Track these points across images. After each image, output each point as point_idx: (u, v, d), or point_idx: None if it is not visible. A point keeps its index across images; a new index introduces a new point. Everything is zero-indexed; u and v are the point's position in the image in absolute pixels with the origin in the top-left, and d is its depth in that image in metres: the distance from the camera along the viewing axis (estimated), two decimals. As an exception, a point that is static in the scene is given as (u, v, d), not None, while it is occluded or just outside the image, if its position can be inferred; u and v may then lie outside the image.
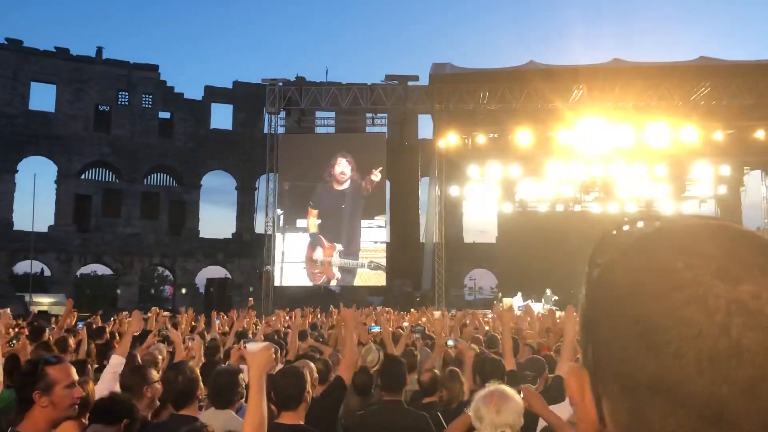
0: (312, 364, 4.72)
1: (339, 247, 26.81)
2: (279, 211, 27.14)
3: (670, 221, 0.66)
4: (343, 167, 26.99)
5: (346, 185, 26.96)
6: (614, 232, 0.68)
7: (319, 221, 26.79)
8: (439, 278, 27.47)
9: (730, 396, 0.56)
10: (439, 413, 4.66)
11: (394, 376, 4.53)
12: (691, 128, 24.46)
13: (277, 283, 27.02)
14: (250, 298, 17.59)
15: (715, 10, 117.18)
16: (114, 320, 12.57)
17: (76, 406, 3.01)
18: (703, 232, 0.63)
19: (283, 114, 28.52)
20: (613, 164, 28.22)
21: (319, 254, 26.66)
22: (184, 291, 33.69)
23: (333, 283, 27.15)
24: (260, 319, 14.23)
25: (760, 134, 25.06)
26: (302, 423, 3.75)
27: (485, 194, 33.66)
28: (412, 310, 21.11)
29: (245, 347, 2.64)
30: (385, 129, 29.22)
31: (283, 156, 27.25)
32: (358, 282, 27.03)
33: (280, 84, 27.62)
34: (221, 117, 37.01)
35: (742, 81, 24.33)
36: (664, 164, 29.18)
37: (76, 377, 3.03)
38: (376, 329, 7.13)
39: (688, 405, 0.57)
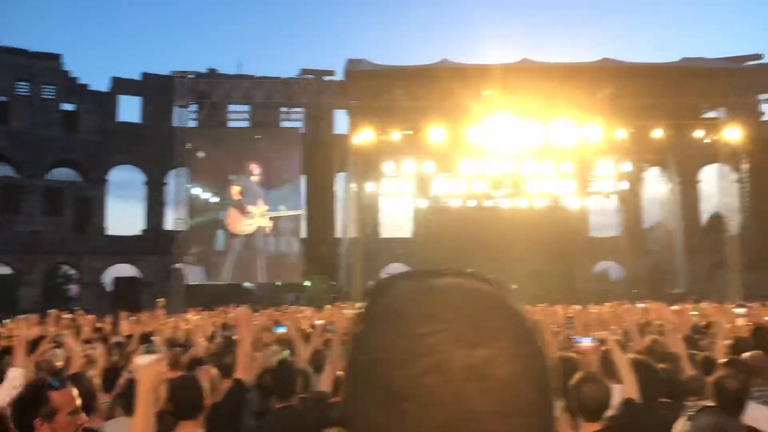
0: (212, 370, 4.64)
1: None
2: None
3: (425, 282, 0.65)
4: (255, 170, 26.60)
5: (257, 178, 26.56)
6: (371, 283, 0.69)
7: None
8: (355, 274, 27.54)
9: None
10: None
11: (283, 382, 4.50)
12: (595, 127, 25.49)
13: (194, 281, 26.36)
14: (160, 298, 17.01)
15: (617, 13, 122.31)
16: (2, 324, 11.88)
17: None
18: (447, 295, 0.63)
19: (194, 107, 27.80)
20: (522, 161, 29.11)
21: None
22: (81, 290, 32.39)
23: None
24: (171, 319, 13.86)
25: (657, 133, 26.41)
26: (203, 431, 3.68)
27: (401, 190, 34.06)
28: (328, 306, 21.07)
29: (135, 362, 2.56)
30: (300, 124, 28.98)
31: (194, 150, 26.57)
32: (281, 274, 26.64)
33: (191, 76, 26.91)
34: (129, 109, 35.72)
35: (641, 82, 25.56)
36: (570, 161, 30.36)
37: (79, 402, 2.81)
38: (282, 329, 7.02)
39: None
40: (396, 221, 37.97)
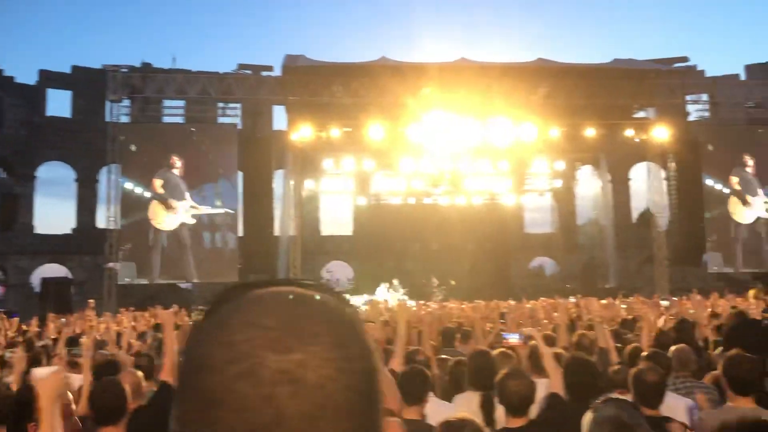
0: (139, 373, 4.52)
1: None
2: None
3: (251, 293, 0.66)
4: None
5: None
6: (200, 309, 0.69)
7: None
8: (294, 272, 27.34)
9: None
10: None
11: None
12: (531, 126, 26.01)
13: (125, 281, 25.63)
14: (91, 299, 16.52)
15: (552, 14, 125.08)
16: None
17: None
18: (268, 303, 0.64)
19: (127, 102, 27.02)
20: (460, 159, 29.49)
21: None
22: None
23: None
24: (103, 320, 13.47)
25: (590, 132, 27.15)
26: None
27: (341, 187, 34.02)
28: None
29: (35, 374, 2.46)
30: (237, 120, 28.52)
31: (126, 146, 25.83)
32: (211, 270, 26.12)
33: (124, 70, 26.13)
34: (59, 104, 34.49)
35: (575, 82, 26.20)
36: (506, 159, 30.93)
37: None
38: None
39: None
40: (336, 219, 37.96)
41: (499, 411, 3.94)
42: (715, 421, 2.79)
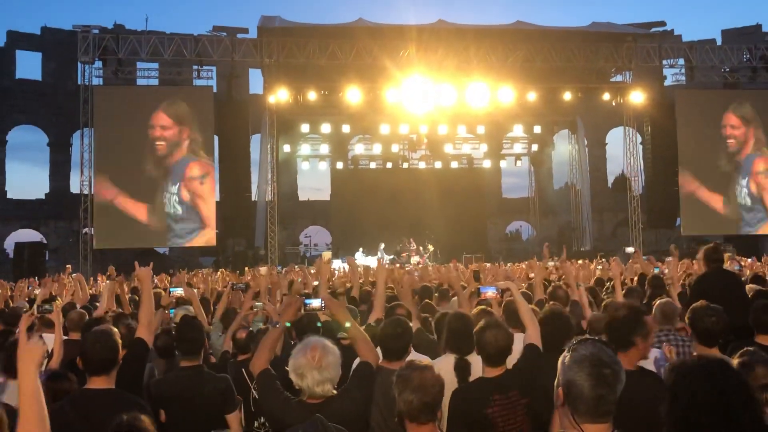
0: (114, 328, 4.49)
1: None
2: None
3: None
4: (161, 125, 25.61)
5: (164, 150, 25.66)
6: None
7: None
8: (272, 236, 27.28)
9: None
10: (243, 369, 4.64)
11: (188, 339, 4.43)
12: (508, 89, 25.95)
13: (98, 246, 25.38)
14: (68, 265, 16.34)
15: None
16: None
17: None
18: None
19: (99, 64, 26.43)
20: (438, 123, 29.41)
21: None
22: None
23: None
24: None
25: (567, 96, 27.19)
26: (113, 387, 3.60)
27: (318, 151, 33.81)
28: (246, 268, 20.85)
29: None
30: (213, 82, 28.06)
31: (99, 109, 25.34)
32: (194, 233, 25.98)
33: (95, 31, 25.49)
34: (29, 66, 33.59)
35: (552, 45, 26.13)
36: (483, 124, 30.93)
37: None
38: (178, 291, 6.92)
39: None
40: (315, 183, 37.82)
41: (475, 370, 4.00)
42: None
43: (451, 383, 3.98)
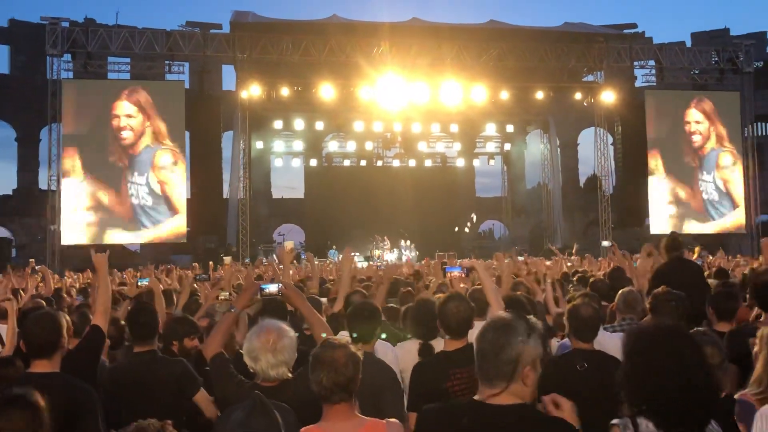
0: (66, 316, 4.41)
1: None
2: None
3: None
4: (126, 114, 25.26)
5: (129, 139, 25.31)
6: None
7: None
8: (244, 234, 27.10)
9: None
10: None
11: (140, 323, 4.36)
12: (481, 88, 26.08)
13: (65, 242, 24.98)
14: (31, 259, 16.07)
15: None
16: None
17: None
18: None
19: (69, 57, 26.00)
20: (411, 121, 29.46)
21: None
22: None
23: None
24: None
25: (539, 95, 27.41)
26: (58, 371, 3.52)
27: (292, 148, 33.66)
28: (210, 263, 20.66)
29: None
30: (185, 77, 27.75)
31: (69, 103, 24.92)
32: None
33: (64, 23, 25.06)
34: (-5, 59, 32.99)
35: (525, 44, 26.33)
36: (456, 123, 31.05)
37: None
38: (144, 282, 6.88)
39: None
40: (288, 181, 37.66)
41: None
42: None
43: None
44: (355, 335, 3.96)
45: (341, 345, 2.81)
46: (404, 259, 25.26)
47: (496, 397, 2.24)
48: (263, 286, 3.93)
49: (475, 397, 2.31)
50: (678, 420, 2.12)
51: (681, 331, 2.30)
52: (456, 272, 4.95)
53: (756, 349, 3.08)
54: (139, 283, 6.96)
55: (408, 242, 27.96)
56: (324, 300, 6.24)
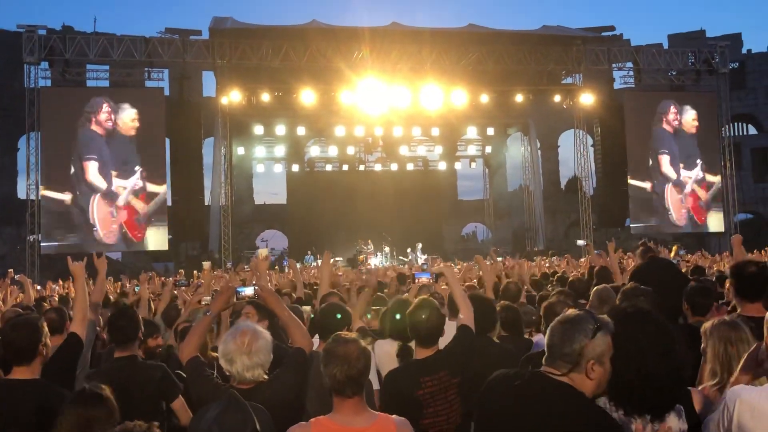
0: (37, 318, 4.41)
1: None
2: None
3: None
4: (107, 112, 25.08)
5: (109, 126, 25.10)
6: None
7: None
8: (227, 240, 27.00)
9: None
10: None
11: (119, 327, 4.37)
12: (461, 92, 26.22)
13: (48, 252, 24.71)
14: (10, 269, 15.90)
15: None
16: None
17: None
18: None
19: (47, 65, 25.76)
20: (393, 126, 29.53)
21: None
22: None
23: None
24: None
25: (518, 98, 27.60)
26: (38, 378, 3.52)
27: (273, 154, 33.59)
28: (195, 272, 20.63)
29: None
30: (165, 84, 27.60)
31: (46, 112, 24.69)
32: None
33: (41, 31, 24.86)
34: (-28, 68, 32.57)
35: (504, 48, 26.50)
36: (437, 126, 31.16)
37: None
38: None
39: None
40: (269, 187, 37.54)
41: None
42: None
43: (393, 366, 4.07)
44: (324, 335, 4.00)
45: (352, 339, 2.89)
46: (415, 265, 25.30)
47: (556, 376, 2.33)
48: (239, 289, 3.95)
49: (540, 369, 2.42)
50: (638, 405, 2.18)
51: (650, 313, 2.39)
52: (425, 278, 5.00)
53: (703, 344, 3.15)
54: (136, 291, 7.00)
55: (419, 245, 27.96)
56: (308, 308, 6.26)
